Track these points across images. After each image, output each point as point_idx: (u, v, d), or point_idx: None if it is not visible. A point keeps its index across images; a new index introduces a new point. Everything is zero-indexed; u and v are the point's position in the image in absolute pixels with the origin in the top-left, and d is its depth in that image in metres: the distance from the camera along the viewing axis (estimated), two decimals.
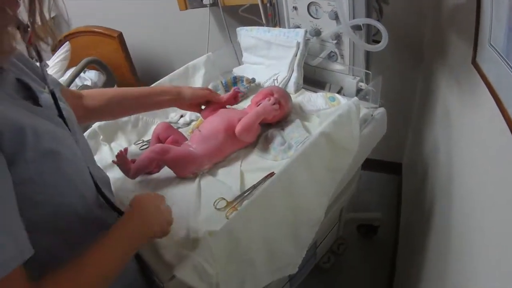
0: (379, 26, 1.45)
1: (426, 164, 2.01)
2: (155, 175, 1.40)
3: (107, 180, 1.13)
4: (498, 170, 1.01)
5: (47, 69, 1.00)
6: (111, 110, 1.40)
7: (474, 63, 1.24)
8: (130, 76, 2.99)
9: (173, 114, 1.74)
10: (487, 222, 1.04)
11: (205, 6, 2.49)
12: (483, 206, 1.09)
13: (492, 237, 0.99)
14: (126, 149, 1.37)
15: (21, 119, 0.80)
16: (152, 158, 1.35)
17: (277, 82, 1.74)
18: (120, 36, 2.87)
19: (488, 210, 1.05)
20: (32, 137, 0.80)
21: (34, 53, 0.93)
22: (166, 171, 1.39)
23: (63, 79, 2.59)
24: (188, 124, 1.70)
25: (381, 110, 1.63)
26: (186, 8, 2.57)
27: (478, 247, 1.07)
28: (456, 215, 1.33)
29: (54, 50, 2.86)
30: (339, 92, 1.75)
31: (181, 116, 1.72)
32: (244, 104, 1.74)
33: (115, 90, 1.44)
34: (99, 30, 2.94)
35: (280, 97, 1.53)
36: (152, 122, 1.73)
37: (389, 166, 3.07)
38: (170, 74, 1.82)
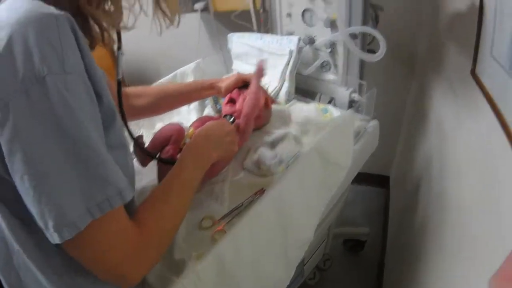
0: (378, 35, 1.40)
1: (417, 177, 1.97)
2: (139, 189, 1.32)
3: None
4: (496, 186, 0.97)
5: None
6: (157, 107, 1.50)
7: (473, 74, 1.21)
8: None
9: (160, 124, 1.66)
10: (483, 240, 0.99)
11: (195, 11, 2.43)
12: (479, 222, 1.05)
13: (487, 255, 0.94)
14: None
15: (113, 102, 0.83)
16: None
17: (268, 91, 1.68)
18: None
19: (484, 227, 1.00)
20: (119, 123, 0.85)
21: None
22: (152, 182, 1.33)
23: None
24: None
25: (374, 122, 1.60)
26: None
27: (473, 266, 1.02)
28: (450, 232, 1.29)
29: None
30: (329, 103, 1.70)
31: None
32: None
33: (156, 88, 1.57)
34: None
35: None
36: (138, 132, 1.64)
37: (376, 179, 3.03)
38: (158, 81, 1.77)
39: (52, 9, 0.70)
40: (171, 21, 1.02)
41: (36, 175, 0.67)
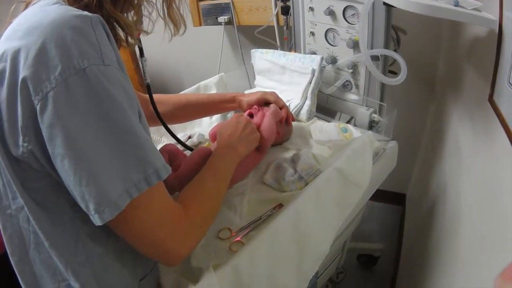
0: (399, 59, 1.41)
1: (432, 199, 1.97)
2: None
3: None
4: (509, 211, 0.97)
5: None
6: (176, 115, 1.54)
7: (491, 100, 1.20)
8: (139, 88, 2.95)
9: (181, 135, 1.69)
10: (495, 262, 0.99)
11: (219, 24, 2.46)
12: (492, 247, 1.06)
13: None
14: None
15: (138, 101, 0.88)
16: None
17: (290, 109, 1.70)
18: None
19: (497, 253, 1.00)
20: (144, 121, 0.89)
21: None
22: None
23: None
24: (196, 145, 1.64)
25: (393, 143, 1.61)
26: (200, 25, 2.55)
27: (486, 285, 1.01)
28: (463, 252, 1.29)
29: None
30: (349, 122, 1.72)
31: (189, 137, 1.67)
32: None
33: (178, 96, 1.61)
34: None
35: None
36: (159, 141, 1.70)
37: (393, 197, 3.03)
38: (181, 92, 1.79)
39: (85, 12, 0.76)
40: (177, 29, 1.07)
41: (76, 157, 0.71)
